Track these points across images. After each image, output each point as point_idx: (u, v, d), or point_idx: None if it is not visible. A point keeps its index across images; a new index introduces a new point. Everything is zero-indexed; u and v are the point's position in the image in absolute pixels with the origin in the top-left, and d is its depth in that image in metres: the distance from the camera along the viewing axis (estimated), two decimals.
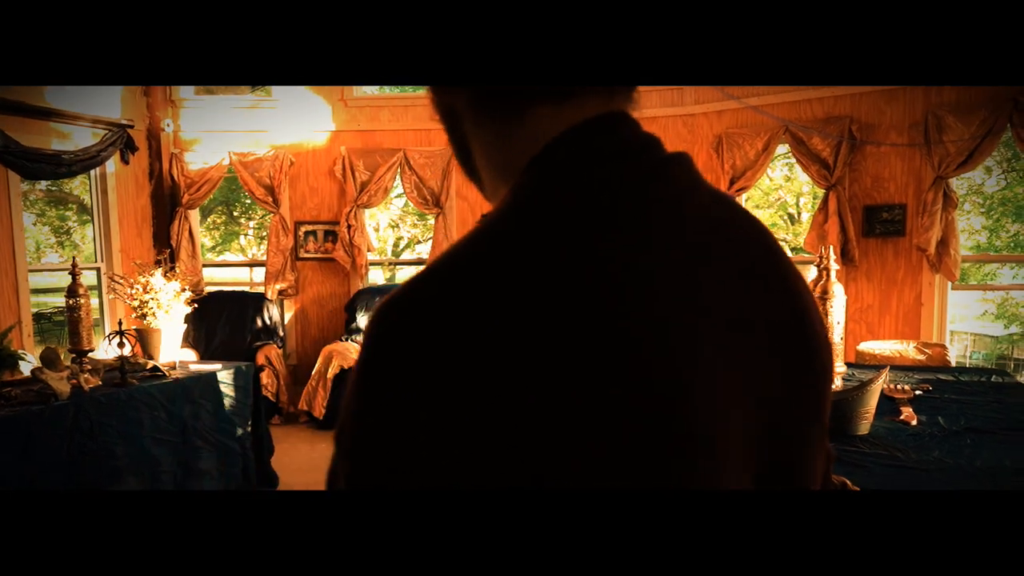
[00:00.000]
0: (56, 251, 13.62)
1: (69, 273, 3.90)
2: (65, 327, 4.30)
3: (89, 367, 3.81)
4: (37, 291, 5.93)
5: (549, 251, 0.52)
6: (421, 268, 0.53)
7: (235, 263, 11.91)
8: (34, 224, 12.83)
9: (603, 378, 0.49)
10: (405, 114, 6.94)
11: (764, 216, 12.04)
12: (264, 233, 13.97)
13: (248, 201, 13.69)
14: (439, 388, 0.48)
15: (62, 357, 3.73)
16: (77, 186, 11.56)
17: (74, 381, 3.60)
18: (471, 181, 0.70)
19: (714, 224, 0.60)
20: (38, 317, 7.93)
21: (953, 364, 4.63)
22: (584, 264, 0.52)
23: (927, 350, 4.69)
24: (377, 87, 7.49)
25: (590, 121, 0.59)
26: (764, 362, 0.59)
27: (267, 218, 12.34)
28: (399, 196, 11.73)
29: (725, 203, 0.63)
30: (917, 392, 3.29)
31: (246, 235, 15.14)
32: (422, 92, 7.13)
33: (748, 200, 7.38)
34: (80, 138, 5.92)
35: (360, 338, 6.67)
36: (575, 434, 0.48)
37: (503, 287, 0.50)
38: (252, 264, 8.12)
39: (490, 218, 0.56)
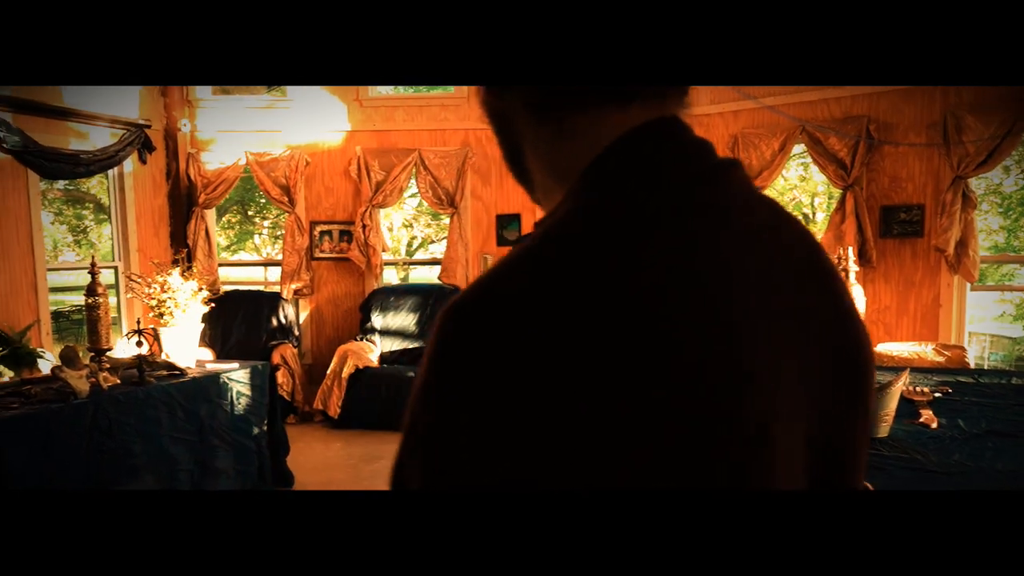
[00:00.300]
0: (73, 250, 13.73)
1: (88, 272, 3.92)
2: (82, 325, 4.33)
3: (108, 366, 3.83)
4: (54, 289, 6.00)
5: (599, 261, 0.53)
6: (487, 270, 0.55)
7: (250, 262, 11.98)
8: (52, 223, 12.93)
9: (647, 381, 0.50)
10: (420, 114, 6.95)
11: None
12: (278, 232, 14.04)
13: (263, 200, 13.75)
14: (507, 389, 0.50)
15: (81, 355, 3.76)
16: (94, 185, 11.64)
17: (93, 379, 3.62)
18: (520, 183, 0.71)
19: (762, 228, 0.62)
20: (56, 315, 8.02)
21: (972, 366, 4.59)
22: (629, 272, 0.53)
23: (946, 352, 4.65)
24: (392, 87, 7.51)
25: (641, 127, 0.60)
26: (811, 362, 0.60)
27: (281, 217, 12.42)
28: (413, 196, 11.76)
29: (773, 208, 0.65)
30: (936, 394, 3.27)
31: (260, 234, 15.21)
32: (437, 92, 7.14)
33: None
34: (98, 138, 5.96)
35: (375, 338, 6.70)
36: (622, 437, 0.49)
37: (560, 295, 0.51)
38: (267, 263, 8.15)
39: (548, 225, 0.57)
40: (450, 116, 6.88)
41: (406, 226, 14.56)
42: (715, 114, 6.10)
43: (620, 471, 0.50)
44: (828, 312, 0.64)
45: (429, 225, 14.42)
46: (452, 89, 7.04)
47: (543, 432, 0.49)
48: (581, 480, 0.49)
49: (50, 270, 5.77)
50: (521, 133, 0.66)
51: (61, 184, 10.90)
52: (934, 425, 2.76)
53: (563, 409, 0.49)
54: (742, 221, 0.60)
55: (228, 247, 14.37)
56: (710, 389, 0.52)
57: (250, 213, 14.75)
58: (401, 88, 7.80)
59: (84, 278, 4.04)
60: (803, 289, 0.62)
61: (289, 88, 7.09)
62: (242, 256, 14.67)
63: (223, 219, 13.82)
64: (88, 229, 13.98)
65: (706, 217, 0.58)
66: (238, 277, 8.47)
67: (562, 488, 0.49)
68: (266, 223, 14.85)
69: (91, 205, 13.36)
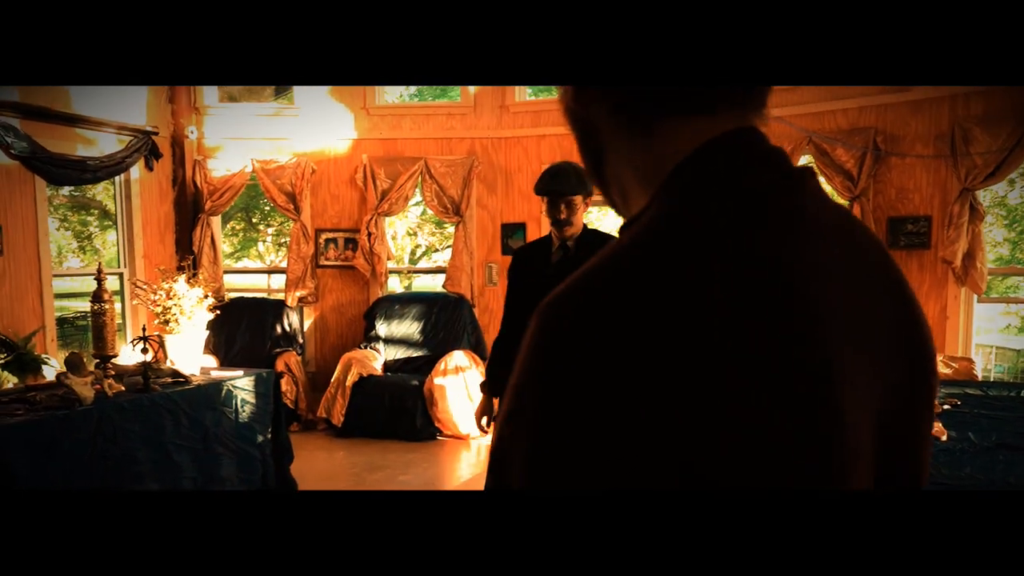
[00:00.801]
0: (77, 256, 13.76)
1: (95, 278, 3.92)
2: (86, 332, 4.32)
3: (113, 372, 3.82)
4: (58, 295, 5.99)
5: (678, 269, 0.56)
6: (584, 270, 0.58)
7: (254, 270, 11.99)
8: (57, 229, 12.96)
9: (728, 384, 0.53)
10: (427, 123, 6.96)
11: None
12: (282, 240, 14.06)
13: (267, 208, 13.77)
14: (617, 383, 0.52)
15: (86, 362, 3.75)
16: (100, 192, 11.67)
17: (98, 386, 3.61)
18: (598, 187, 0.74)
19: (839, 232, 0.64)
20: (61, 322, 8.01)
21: (980, 378, 4.57)
22: (706, 280, 0.55)
23: (953, 364, 4.63)
24: (398, 96, 7.52)
25: (721, 137, 0.62)
26: (883, 364, 0.63)
27: (285, 225, 12.43)
28: (416, 204, 11.76)
29: (845, 214, 0.67)
30: (945, 407, 3.25)
31: (264, 242, 15.23)
32: (443, 101, 7.15)
33: None
34: (105, 144, 5.97)
35: (379, 346, 6.68)
36: (704, 439, 0.52)
37: (642, 302, 0.54)
38: (270, 271, 8.16)
39: (633, 231, 0.61)
40: (456, 125, 6.89)
41: (410, 234, 14.57)
42: None
43: (698, 470, 0.52)
44: (899, 315, 0.67)
45: (433, 233, 14.43)
46: (459, 98, 7.04)
47: (640, 428, 0.52)
48: (673, 476, 0.52)
49: (55, 276, 5.76)
50: (605, 140, 0.68)
51: (66, 190, 10.93)
52: (944, 438, 2.74)
53: (654, 407, 0.52)
54: (817, 227, 0.62)
55: (232, 254, 14.39)
56: (791, 390, 0.54)
57: (254, 220, 14.77)
58: (407, 97, 7.82)
59: (88, 284, 4.03)
60: (876, 293, 0.65)
61: (296, 96, 7.11)
62: (246, 263, 14.69)
63: (227, 226, 13.84)
64: (93, 235, 14.01)
65: (782, 224, 0.60)
66: (241, 284, 8.48)
67: (660, 483, 0.52)
68: (270, 230, 14.87)
69: (96, 211, 13.39)
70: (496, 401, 3.08)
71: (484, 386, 3.14)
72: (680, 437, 0.52)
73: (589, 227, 2.99)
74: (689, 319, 0.53)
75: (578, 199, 2.86)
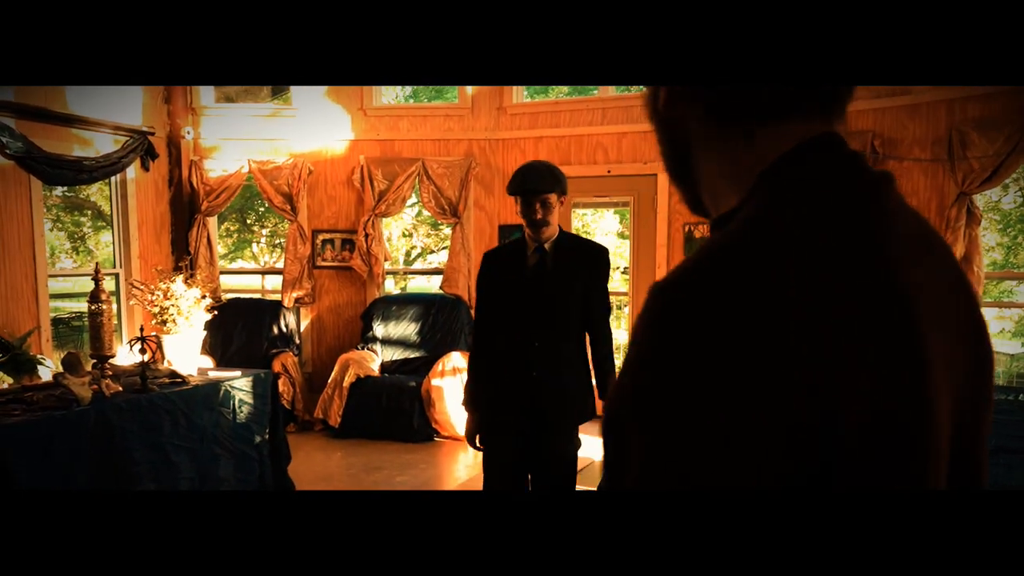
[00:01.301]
0: (70, 256, 13.70)
1: (92, 278, 3.90)
2: (81, 332, 4.30)
3: (111, 373, 3.81)
4: (52, 296, 5.94)
5: (764, 271, 0.57)
6: (680, 269, 0.61)
7: (251, 270, 11.96)
8: (50, 230, 12.91)
9: (815, 382, 0.54)
10: (424, 124, 6.95)
11: None
12: (277, 241, 14.03)
13: (262, 209, 13.75)
14: (707, 383, 0.55)
15: (83, 362, 3.73)
16: (94, 192, 11.63)
17: (95, 387, 3.60)
18: (678, 187, 0.77)
19: (919, 236, 0.67)
20: (55, 322, 7.98)
21: None
22: (790, 282, 0.57)
23: None
24: (394, 98, 7.51)
25: (807, 143, 0.66)
26: (959, 356, 0.65)
27: (280, 226, 12.42)
28: (412, 205, 11.76)
29: (922, 220, 0.70)
30: None
31: (259, 243, 15.19)
32: (441, 103, 7.14)
33: None
34: (101, 144, 5.95)
35: (376, 347, 6.67)
36: (797, 438, 0.54)
37: (732, 300, 0.56)
38: (266, 272, 8.13)
39: (724, 233, 0.63)
40: (454, 126, 6.89)
41: (406, 236, 14.56)
42: None
43: (784, 470, 0.54)
44: (965, 315, 0.69)
45: (429, 235, 14.43)
46: (456, 99, 7.04)
47: (723, 430, 0.54)
48: (760, 477, 0.54)
49: (50, 276, 5.73)
50: (695, 143, 0.71)
51: (60, 191, 10.88)
52: None
53: (737, 409, 0.54)
54: (898, 230, 0.64)
55: (226, 255, 14.35)
56: (884, 385, 0.56)
57: (249, 221, 14.74)
58: (403, 98, 7.81)
59: (82, 285, 4.01)
60: (949, 293, 0.67)
61: (293, 97, 7.10)
62: (240, 264, 14.65)
63: (221, 227, 13.81)
64: (86, 236, 13.95)
65: (866, 227, 0.62)
66: (236, 285, 8.46)
67: (751, 483, 0.54)
68: (265, 231, 14.84)
69: (90, 212, 13.34)
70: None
71: (467, 404, 3.05)
72: (764, 439, 0.53)
73: (564, 231, 2.94)
74: (769, 321, 0.55)
75: (552, 197, 2.79)
